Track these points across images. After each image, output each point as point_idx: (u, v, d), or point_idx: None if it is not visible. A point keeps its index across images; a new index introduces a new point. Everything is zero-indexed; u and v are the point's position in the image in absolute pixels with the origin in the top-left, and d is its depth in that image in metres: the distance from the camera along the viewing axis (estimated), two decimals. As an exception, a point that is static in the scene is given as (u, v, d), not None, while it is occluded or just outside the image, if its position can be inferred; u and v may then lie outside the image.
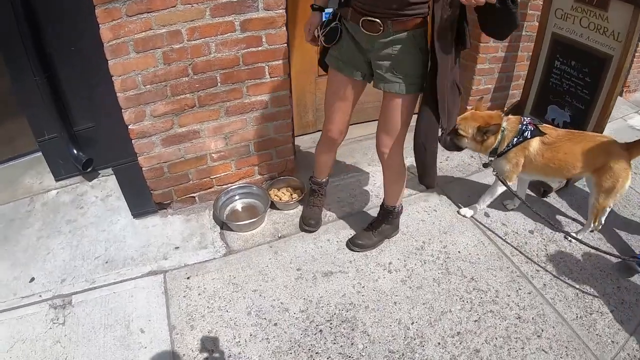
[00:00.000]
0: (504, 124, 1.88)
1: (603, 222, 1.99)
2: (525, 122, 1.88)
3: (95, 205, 2.16)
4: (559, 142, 1.85)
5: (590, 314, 1.72)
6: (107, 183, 2.26)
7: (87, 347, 1.59)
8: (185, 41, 1.74)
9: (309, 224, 1.98)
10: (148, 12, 1.65)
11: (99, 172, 2.29)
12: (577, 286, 1.81)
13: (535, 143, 1.87)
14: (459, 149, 1.99)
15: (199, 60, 1.78)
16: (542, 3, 2.29)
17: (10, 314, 1.75)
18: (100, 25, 1.64)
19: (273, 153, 2.14)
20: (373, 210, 2.12)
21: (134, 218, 2.08)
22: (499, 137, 1.87)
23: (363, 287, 1.78)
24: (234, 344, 1.58)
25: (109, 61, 1.71)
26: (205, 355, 1.54)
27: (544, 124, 1.95)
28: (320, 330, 1.63)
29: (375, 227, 1.92)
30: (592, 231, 2.03)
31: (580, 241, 1.91)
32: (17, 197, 2.18)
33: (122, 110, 1.80)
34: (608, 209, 1.95)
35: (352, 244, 1.92)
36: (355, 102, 1.68)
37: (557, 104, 2.32)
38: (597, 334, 1.65)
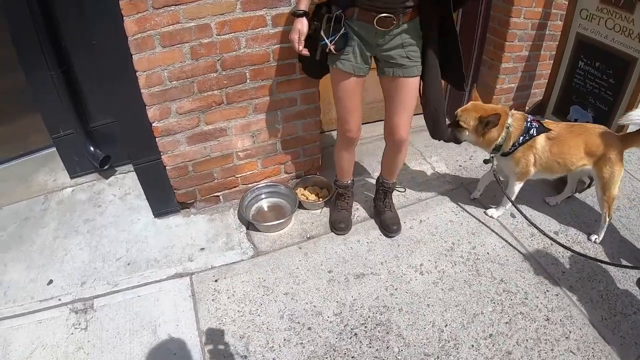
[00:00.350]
0: (509, 120, 1.82)
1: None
2: (529, 119, 1.84)
3: (113, 204, 2.09)
4: (562, 136, 1.84)
5: (614, 315, 1.73)
6: (125, 181, 2.19)
7: (113, 353, 1.54)
8: (215, 35, 1.67)
9: (339, 227, 1.95)
10: (176, 5, 1.59)
11: (116, 169, 2.21)
12: (601, 288, 1.81)
13: (541, 140, 1.83)
14: (458, 141, 1.93)
15: (228, 56, 1.72)
16: (566, 3, 2.27)
17: (29, 318, 1.69)
18: (124, 17, 1.57)
19: (300, 151, 2.10)
20: (404, 209, 2.12)
21: (155, 217, 2.02)
22: (504, 134, 1.83)
23: (396, 289, 1.76)
24: (267, 349, 1.55)
25: (133, 56, 1.64)
26: (240, 361, 1.51)
27: (546, 119, 1.91)
28: (355, 334, 1.60)
29: (391, 204, 2.03)
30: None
31: (571, 250, 1.87)
32: (30, 195, 2.10)
33: (147, 107, 1.74)
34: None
35: (391, 232, 1.97)
36: None
37: (580, 104, 2.32)
38: (621, 336, 1.66)
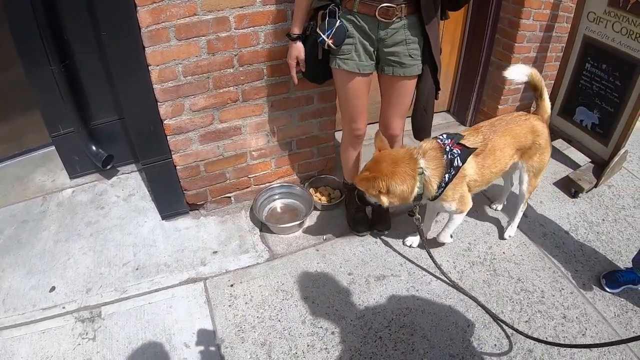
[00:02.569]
0: (422, 164, 1.50)
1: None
2: (447, 149, 1.52)
3: (117, 206, 1.98)
4: (488, 145, 1.59)
5: (626, 312, 1.76)
6: (129, 181, 2.08)
7: (125, 365, 1.45)
8: (233, 29, 1.61)
9: (359, 229, 1.92)
10: (193, -5, 1.51)
11: (118, 169, 2.10)
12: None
13: (470, 164, 1.55)
14: (386, 206, 1.56)
15: (246, 51, 1.66)
16: (573, 5, 2.31)
17: (31, 327, 1.59)
18: (138, 7, 1.48)
19: (315, 151, 2.05)
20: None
21: (162, 220, 1.93)
22: (418, 183, 1.50)
23: (417, 290, 1.73)
24: (291, 356, 1.49)
25: (146, 49, 1.55)
26: (263, 369, 1.45)
27: (462, 132, 1.62)
28: (380, 337, 1.57)
29: None
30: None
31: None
32: (28, 197, 1.97)
33: (158, 103, 1.65)
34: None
35: (380, 231, 1.94)
36: None
37: (586, 105, 2.35)
38: (633, 331, 1.68)
